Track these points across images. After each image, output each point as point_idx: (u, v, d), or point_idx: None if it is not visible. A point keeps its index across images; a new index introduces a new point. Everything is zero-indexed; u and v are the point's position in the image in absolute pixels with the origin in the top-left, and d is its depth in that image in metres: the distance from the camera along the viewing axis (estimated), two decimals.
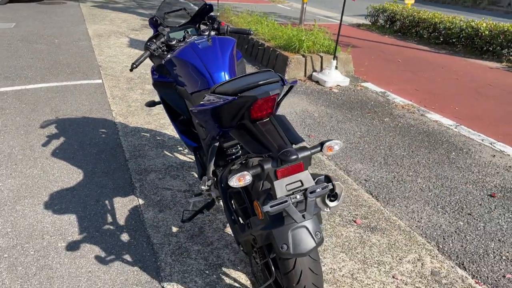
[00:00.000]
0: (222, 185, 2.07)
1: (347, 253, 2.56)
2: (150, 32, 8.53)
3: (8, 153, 3.42)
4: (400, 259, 2.55)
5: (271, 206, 1.49)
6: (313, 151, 1.58)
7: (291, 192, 1.55)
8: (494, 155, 4.11)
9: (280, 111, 4.90)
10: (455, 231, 2.90)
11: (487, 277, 2.50)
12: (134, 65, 2.45)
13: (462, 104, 5.64)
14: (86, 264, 2.30)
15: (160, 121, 4.20)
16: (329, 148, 1.61)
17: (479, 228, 2.95)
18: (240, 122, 1.75)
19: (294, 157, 1.50)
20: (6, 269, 2.23)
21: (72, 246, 2.43)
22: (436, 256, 2.60)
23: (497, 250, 2.73)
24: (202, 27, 2.82)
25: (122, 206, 2.84)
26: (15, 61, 5.94)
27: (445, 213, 3.10)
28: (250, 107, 1.64)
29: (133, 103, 4.66)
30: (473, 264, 2.59)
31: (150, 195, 2.97)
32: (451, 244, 2.76)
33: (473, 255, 2.68)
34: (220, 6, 10.24)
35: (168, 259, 2.38)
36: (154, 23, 2.80)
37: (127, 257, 2.38)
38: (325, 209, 1.93)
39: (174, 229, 2.63)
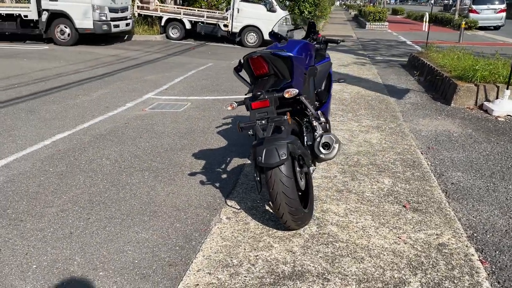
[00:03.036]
0: None
1: (373, 217, 3.06)
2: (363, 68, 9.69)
3: (193, 129, 5.14)
4: (419, 230, 2.89)
5: (244, 124, 2.44)
6: (276, 94, 2.45)
7: (259, 118, 2.45)
8: None
9: (423, 128, 5.23)
10: (506, 230, 2.95)
11: (498, 261, 2.59)
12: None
13: None
14: (192, 181, 3.60)
15: None
16: (287, 93, 2.44)
17: None
18: (255, 80, 2.73)
19: (260, 94, 2.42)
20: (151, 178, 3.74)
21: (192, 173, 3.78)
22: (459, 237, 2.80)
23: None
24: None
25: (234, 163, 4.06)
26: (215, 82, 8.07)
27: (510, 218, 3.11)
28: (250, 66, 2.61)
29: None
30: (495, 252, 2.69)
31: None
32: (487, 236, 2.87)
33: (503, 247, 2.74)
34: (428, 46, 10.53)
35: (239, 190, 3.45)
36: (274, 36, 3.98)
37: (217, 184, 3.57)
38: (320, 155, 2.70)
39: None
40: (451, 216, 3.08)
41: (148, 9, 15.20)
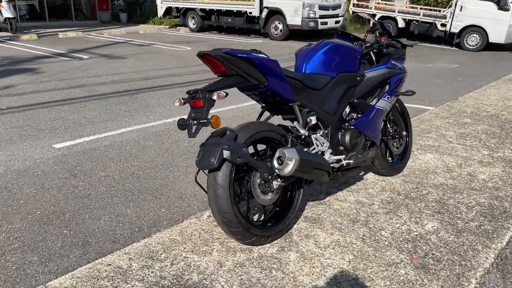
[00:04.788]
0: None
1: (355, 259, 2.49)
2: None
3: None
4: (403, 284, 2.24)
5: (182, 122, 2.39)
6: (209, 94, 2.28)
7: (193, 117, 2.35)
8: None
9: None
10: None
11: None
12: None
13: None
14: None
15: None
16: (215, 94, 2.24)
17: None
18: None
19: (193, 92, 2.31)
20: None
21: None
22: None
23: None
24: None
25: None
26: None
27: None
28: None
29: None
30: None
31: None
32: None
33: None
34: None
35: None
36: (343, 36, 3.56)
37: None
38: (275, 169, 2.44)
39: None
40: (468, 282, 2.24)
41: (366, 7, 15.01)
